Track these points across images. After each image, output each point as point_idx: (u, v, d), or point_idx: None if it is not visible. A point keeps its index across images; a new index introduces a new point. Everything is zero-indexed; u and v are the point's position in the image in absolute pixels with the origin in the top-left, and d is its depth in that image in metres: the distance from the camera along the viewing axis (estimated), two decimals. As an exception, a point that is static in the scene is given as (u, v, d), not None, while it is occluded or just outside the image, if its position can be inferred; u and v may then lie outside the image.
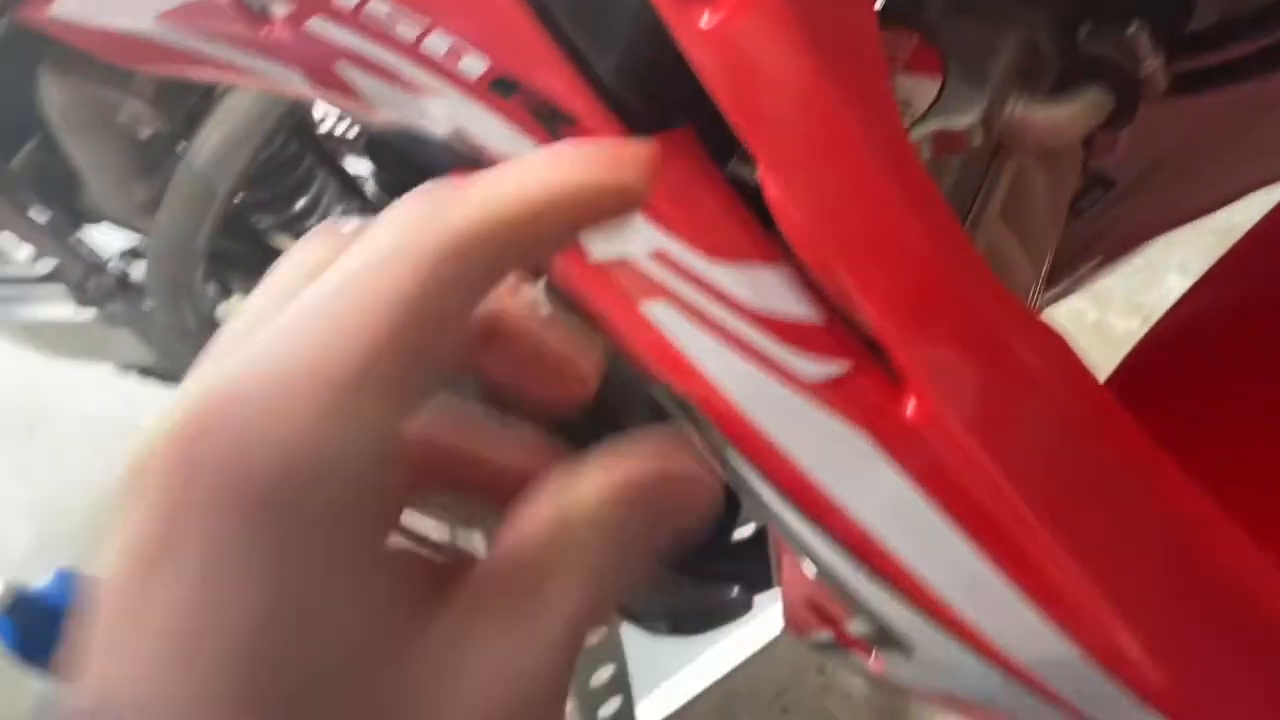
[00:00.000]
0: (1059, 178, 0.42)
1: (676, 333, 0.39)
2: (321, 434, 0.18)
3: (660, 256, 0.37)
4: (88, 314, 1.07)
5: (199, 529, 0.18)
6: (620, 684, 1.23)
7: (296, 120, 0.70)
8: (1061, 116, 0.37)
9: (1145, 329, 0.46)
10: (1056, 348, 0.30)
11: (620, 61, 0.34)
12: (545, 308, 0.49)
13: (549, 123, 0.39)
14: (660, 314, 0.39)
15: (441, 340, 0.20)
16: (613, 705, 1.27)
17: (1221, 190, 0.46)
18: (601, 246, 0.40)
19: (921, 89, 0.35)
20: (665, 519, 0.22)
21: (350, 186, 0.76)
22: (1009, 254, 0.38)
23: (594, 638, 1.12)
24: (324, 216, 0.91)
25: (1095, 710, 0.40)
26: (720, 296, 0.36)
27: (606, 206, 0.22)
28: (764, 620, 1.38)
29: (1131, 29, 0.36)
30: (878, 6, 0.34)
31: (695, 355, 0.38)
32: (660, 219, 0.36)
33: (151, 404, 1.90)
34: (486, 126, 0.41)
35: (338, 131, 0.88)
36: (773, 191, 0.31)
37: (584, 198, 0.22)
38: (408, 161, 0.74)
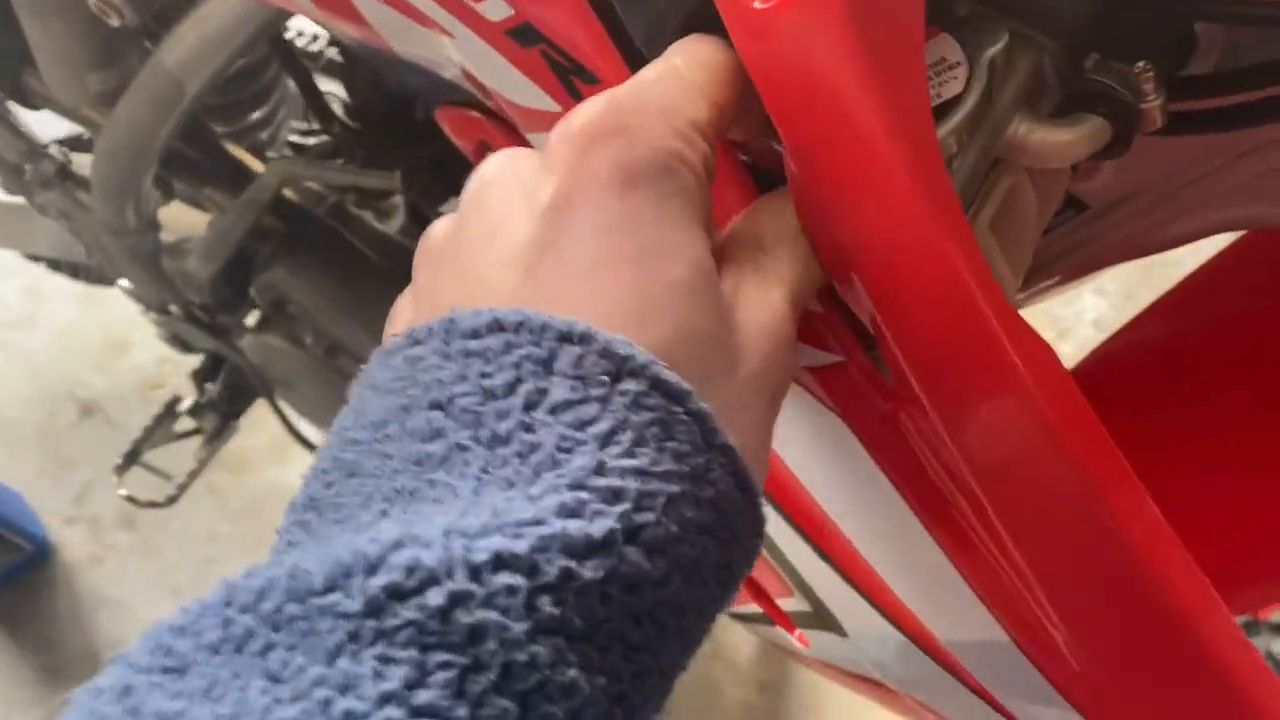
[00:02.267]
0: (1046, 196, 0.43)
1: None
2: (673, 144, 0.29)
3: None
4: (12, 199, 1.03)
5: (594, 196, 0.28)
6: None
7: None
8: (1061, 140, 0.38)
9: (1060, 342, 0.49)
10: (1045, 357, 0.31)
11: (651, 27, 0.34)
12: None
13: (566, 76, 0.39)
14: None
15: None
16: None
17: (1184, 229, 0.48)
18: None
19: (949, 83, 0.36)
20: None
21: (315, 104, 0.74)
22: (994, 262, 0.39)
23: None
24: (277, 130, 0.89)
25: (1009, 698, 0.42)
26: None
27: None
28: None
29: (1139, 66, 0.37)
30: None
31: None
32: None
33: (55, 294, 1.84)
34: (498, 71, 0.41)
35: (305, 45, 0.86)
36: (795, 178, 0.32)
37: None
38: (380, 86, 0.73)
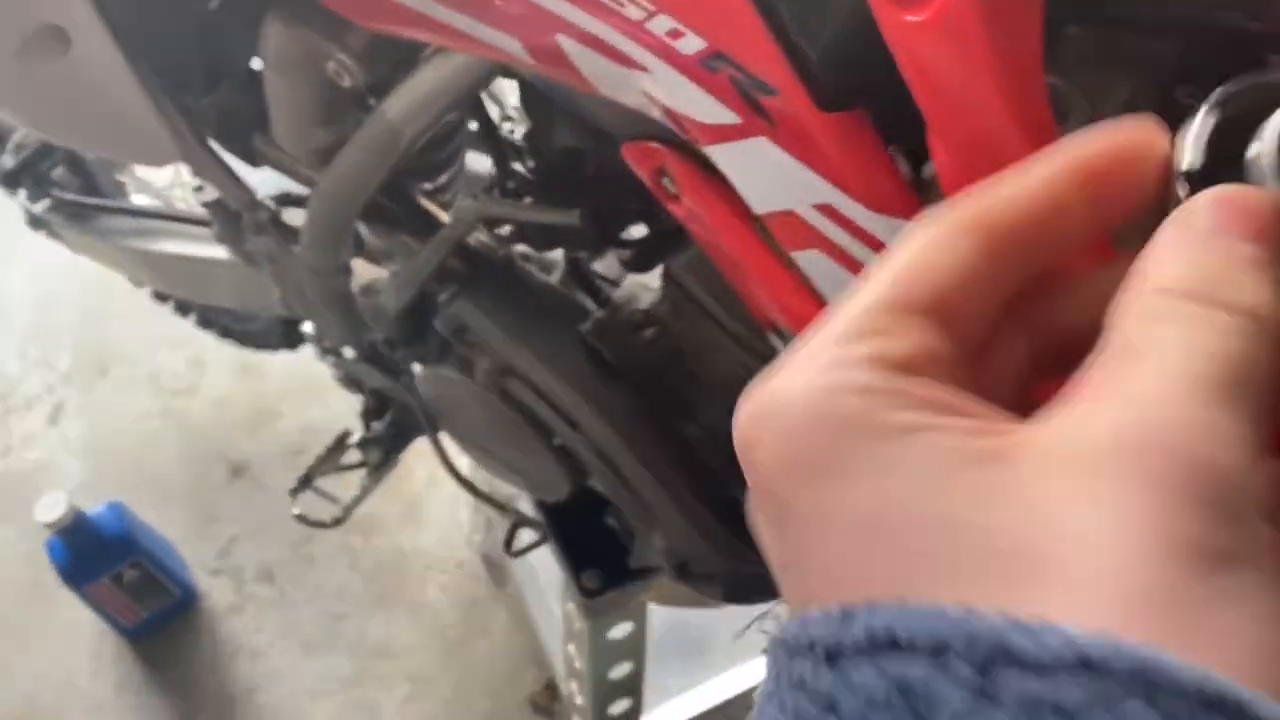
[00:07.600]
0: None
1: (825, 279, 0.48)
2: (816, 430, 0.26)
3: (825, 209, 0.46)
4: (215, 252, 1.17)
5: (769, 500, 0.26)
6: (634, 686, 1.29)
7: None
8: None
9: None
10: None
11: (828, 45, 0.43)
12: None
13: (748, 93, 0.48)
14: (811, 261, 0.48)
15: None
16: (622, 705, 1.32)
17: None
18: (766, 199, 0.50)
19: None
20: None
21: (496, 149, 0.84)
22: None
23: (620, 633, 1.18)
24: (454, 192, 1.01)
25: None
26: (875, 244, 0.45)
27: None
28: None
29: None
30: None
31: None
32: (834, 177, 0.45)
33: (215, 366, 2.00)
34: (691, 98, 0.51)
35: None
36: (939, 155, 0.40)
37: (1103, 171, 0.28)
38: (552, 141, 0.84)
